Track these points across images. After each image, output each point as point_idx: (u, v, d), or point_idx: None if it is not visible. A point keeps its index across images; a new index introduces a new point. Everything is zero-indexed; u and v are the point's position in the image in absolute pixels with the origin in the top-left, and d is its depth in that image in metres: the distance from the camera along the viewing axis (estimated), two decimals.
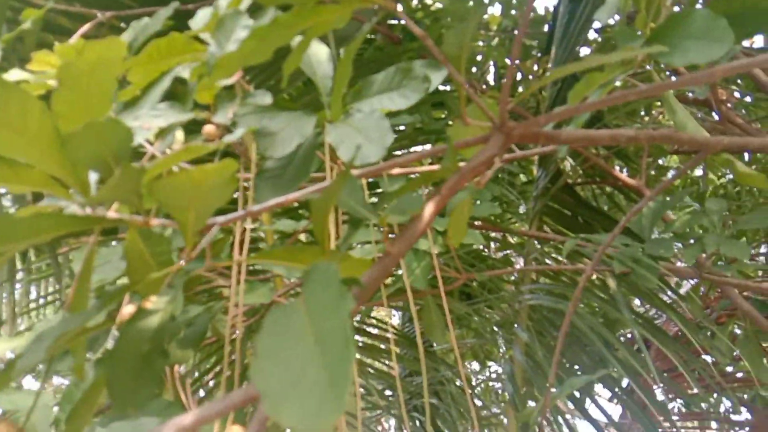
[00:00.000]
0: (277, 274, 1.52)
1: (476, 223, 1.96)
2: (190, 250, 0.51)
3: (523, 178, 2.68)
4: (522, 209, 2.44)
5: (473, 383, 3.62)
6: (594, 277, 2.24)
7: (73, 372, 0.70)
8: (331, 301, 0.26)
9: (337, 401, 0.23)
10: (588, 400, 2.33)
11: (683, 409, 3.36)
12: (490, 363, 3.66)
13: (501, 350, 2.89)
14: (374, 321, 2.44)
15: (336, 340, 0.25)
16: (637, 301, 2.94)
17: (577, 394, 2.22)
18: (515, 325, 2.04)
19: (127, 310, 0.64)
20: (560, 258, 2.25)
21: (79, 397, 0.49)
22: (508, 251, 2.67)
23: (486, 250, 2.45)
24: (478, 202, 1.44)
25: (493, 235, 2.38)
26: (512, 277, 2.40)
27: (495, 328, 2.49)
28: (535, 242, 2.18)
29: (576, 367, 2.36)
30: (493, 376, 3.85)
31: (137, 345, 0.49)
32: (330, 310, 0.26)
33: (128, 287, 0.51)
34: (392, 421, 2.81)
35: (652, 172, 2.99)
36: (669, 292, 1.83)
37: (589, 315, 2.04)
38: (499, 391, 3.74)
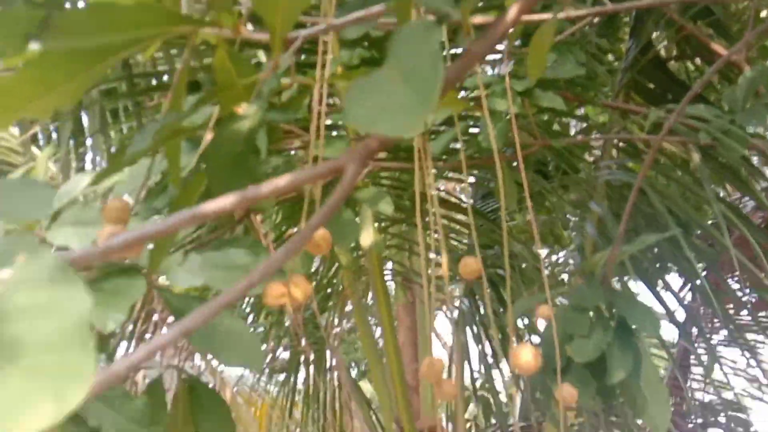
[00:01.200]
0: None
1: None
2: (276, 56, 0.53)
3: (611, 57, 2.54)
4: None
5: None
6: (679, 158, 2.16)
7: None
8: (420, 33, 0.27)
9: (424, 111, 0.25)
10: (660, 282, 2.33)
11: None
12: (559, 249, 3.66)
13: (572, 233, 2.89)
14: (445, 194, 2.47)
15: (424, 65, 0.26)
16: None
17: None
18: (590, 203, 2.02)
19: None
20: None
21: (183, 186, 0.54)
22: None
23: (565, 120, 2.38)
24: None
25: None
26: (591, 158, 2.35)
27: (569, 210, 2.48)
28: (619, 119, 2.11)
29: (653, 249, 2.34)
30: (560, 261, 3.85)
31: (232, 144, 0.53)
32: (419, 41, 0.27)
33: (218, 91, 0.54)
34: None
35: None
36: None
37: (670, 195, 1.99)
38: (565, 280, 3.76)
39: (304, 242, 0.58)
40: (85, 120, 2.06)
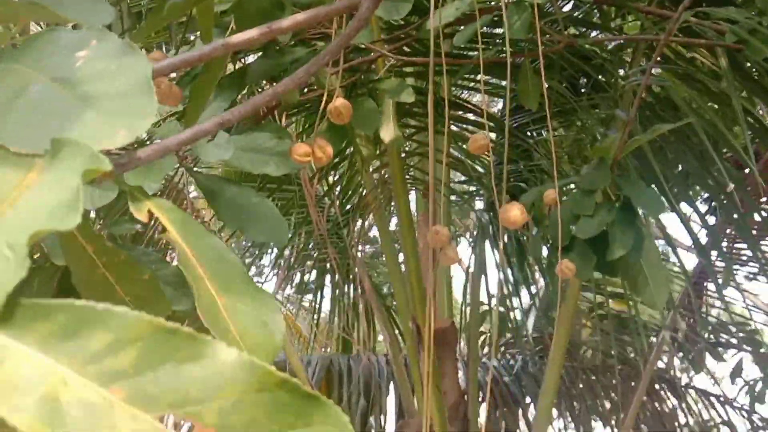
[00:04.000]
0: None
1: None
2: None
3: None
4: None
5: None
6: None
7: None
8: None
9: None
10: (686, 206, 2.33)
11: None
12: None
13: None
14: (469, 106, 2.47)
15: None
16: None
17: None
18: (617, 110, 2.00)
19: None
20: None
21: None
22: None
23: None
24: None
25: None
26: (621, 72, 2.31)
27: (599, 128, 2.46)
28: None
29: (678, 165, 2.33)
30: None
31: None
32: None
33: None
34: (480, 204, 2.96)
35: None
36: None
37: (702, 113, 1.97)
38: None
39: (321, 64, 0.63)
40: None
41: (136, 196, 0.35)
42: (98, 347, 0.21)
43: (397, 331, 2.61)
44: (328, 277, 2.96)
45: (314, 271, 3.02)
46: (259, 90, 1.98)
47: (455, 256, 0.98)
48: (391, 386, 2.63)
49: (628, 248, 1.05)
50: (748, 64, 2.06)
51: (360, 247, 2.91)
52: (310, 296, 3.22)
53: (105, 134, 0.32)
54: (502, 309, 3.27)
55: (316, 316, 3.01)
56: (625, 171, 1.67)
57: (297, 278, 3.13)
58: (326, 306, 3.16)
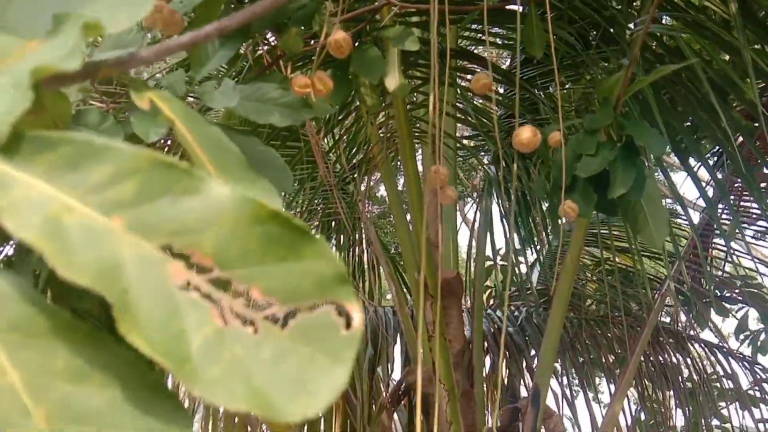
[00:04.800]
0: None
1: None
2: None
3: None
4: None
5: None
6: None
7: None
8: None
9: None
10: (692, 160, 2.32)
11: None
12: None
13: None
14: (476, 56, 2.44)
15: None
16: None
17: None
18: (622, 59, 1.98)
19: None
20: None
21: None
22: None
23: None
24: None
25: None
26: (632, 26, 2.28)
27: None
28: None
29: (687, 117, 2.31)
30: None
31: None
32: None
33: None
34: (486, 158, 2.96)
35: None
36: None
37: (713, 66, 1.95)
38: None
39: None
40: None
41: (138, 86, 0.36)
42: (99, 179, 0.22)
43: (402, 285, 2.64)
44: (334, 235, 2.98)
45: (320, 227, 3.05)
46: (264, 41, 1.97)
47: (454, 195, 0.99)
48: (398, 338, 2.68)
49: (628, 187, 1.06)
50: (762, 14, 2.03)
51: (366, 201, 2.92)
52: None
53: (106, 20, 0.33)
54: (505, 263, 3.30)
55: None
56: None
57: None
58: None
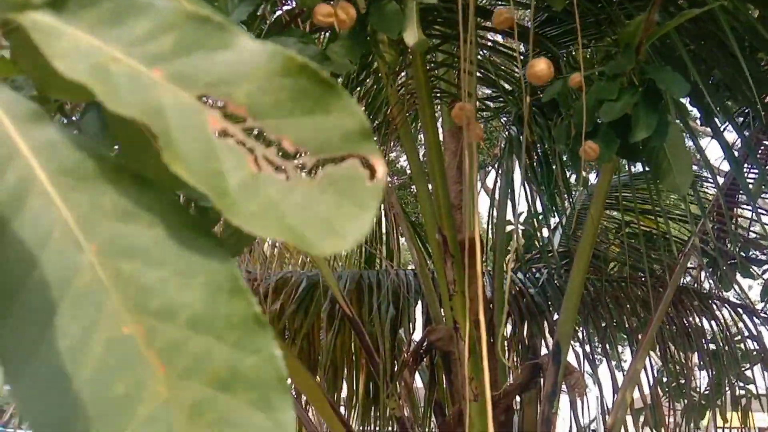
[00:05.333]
0: None
1: None
2: None
3: None
4: None
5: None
6: None
7: None
8: None
9: None
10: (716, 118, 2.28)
11: None
12: None
13: None
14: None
15: None
16: None
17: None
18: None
19: None
20: None
21: None
22: None
23: None
24: None
25: None
26: None
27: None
28: None
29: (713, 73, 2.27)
30: None
31: None
32: None
33: None
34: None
35: None
36: None
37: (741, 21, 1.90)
38: None
39: None
40: None
41: None
42: (140, 33, 0.23)
43: (423, 249, 2.66)
44: None
45: None
46: (283, 1, 1.97)
47: (480, 133, 0.99)
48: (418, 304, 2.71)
49: (651, 131, 1.06)
50: None
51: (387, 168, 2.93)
52: None
53: None
54: (525, 227, 3.30)
55: None
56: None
57: None
58: None
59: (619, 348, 3.50)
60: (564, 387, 2.16)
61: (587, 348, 2.73)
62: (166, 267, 0.23)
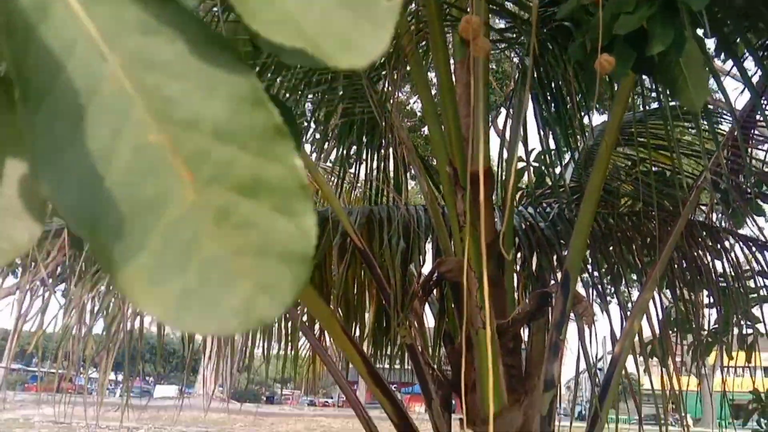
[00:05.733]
0: None
1: None
2: None
3: None
4: None
5: None
6: None
7: None
8: None
9: None
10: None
11: None
12: None
13: None
14: None
15: None
16: None
17: None
18: None
19: None
20: None
21: None
22: None
23: None
24: None
25: None
26: None
27: None
28: None
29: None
30: None
31: None
32: None
33: None
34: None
35: None
36: None
37: None
38: None
39: None
40: None
41: None
42: None
43: (432, 185, 2.66)
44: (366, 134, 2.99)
45: (352, 127, 3.06)
46: None
47: (487, 46, 0.98)
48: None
49: (667, 44, 1.04)
50: None
51: (396, 97, 2.90)
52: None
53: None
54: (537, 165, 3.28)
55: (353, 170, 3.09)
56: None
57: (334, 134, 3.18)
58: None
59: (629, 287, 3.52)
60: (573, 317, 2.19)
61: (597, 283, 2.75)
62: (189, 79, 0.24)
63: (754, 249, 2.92)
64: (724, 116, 2.80)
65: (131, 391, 3.71)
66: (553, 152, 2.94)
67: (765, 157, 2.73)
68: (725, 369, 3.37)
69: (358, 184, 3.41)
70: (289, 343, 3.11)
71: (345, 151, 3.17)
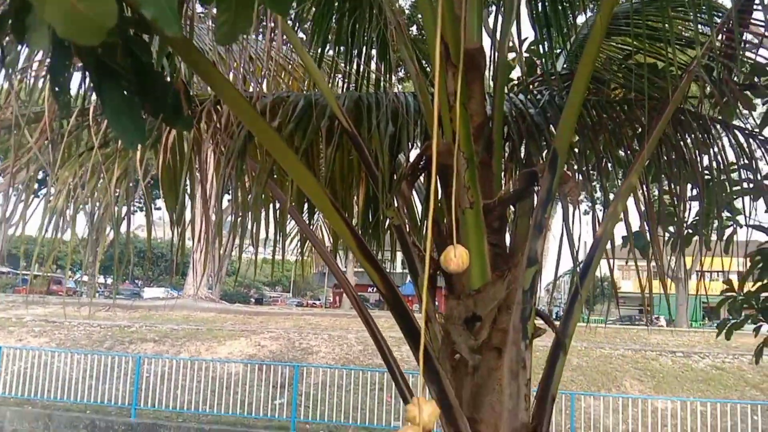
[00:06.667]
0: None
1: None
2: None
3: None
4: None
5: None
6: None
7: None
8: None
9: None
10: None
11: None
12: None
13: None
14: None
15: None
16: None
17: None
18: None
19: None
20: None
21: None
22: None
23: None
24: None
25: None
26: None
27: None
28: None
29: None
30: None
31: None
32: None
33: None
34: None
35: None
36: None
37: None
38: None
39: None
40: None
41: None
42: None
43: (422, 70, 2.59)
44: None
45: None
46: None
47: None
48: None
49: None
50: None
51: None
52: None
53: None
54: (528, 55, 3.21)
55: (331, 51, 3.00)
56: None
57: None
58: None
59: (617, 178, 3.53)
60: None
61: (584, 169, 2.75)
62: None
63: (741, 139, 2.92)
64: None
65: (121, 293, 3.77)
66: (545, 39, 2.86)
67: (760, 41, 2.67)
68: (700, 273, 3.45)
69: (343, 71, 3.32)
70: (278, 228, 3.13)
71: (325, 36, 3.06)
